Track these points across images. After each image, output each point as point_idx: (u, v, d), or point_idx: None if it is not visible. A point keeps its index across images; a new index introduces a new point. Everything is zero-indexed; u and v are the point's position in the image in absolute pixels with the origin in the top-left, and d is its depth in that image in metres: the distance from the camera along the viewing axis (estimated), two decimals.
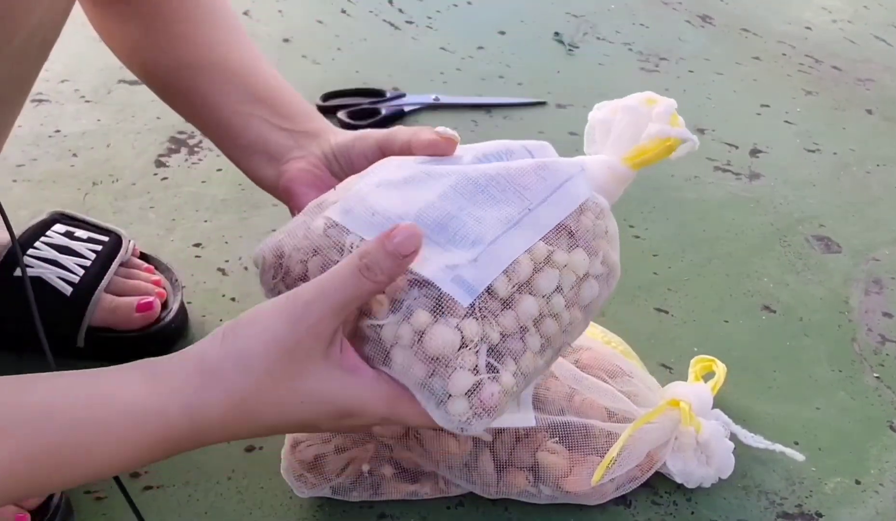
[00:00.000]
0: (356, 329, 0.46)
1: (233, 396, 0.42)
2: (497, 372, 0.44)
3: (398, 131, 0.55)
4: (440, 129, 0.53)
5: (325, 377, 0.43)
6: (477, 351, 0.44)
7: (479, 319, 0.44)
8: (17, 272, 0.64)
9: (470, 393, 0.43)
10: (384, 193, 0.48)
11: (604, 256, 0.50)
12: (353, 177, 0.53)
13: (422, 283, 0.44)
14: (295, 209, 0.56)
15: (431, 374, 0.43)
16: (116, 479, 0.50)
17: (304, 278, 0.47)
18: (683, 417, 0.59)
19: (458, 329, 0.43)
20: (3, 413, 0.39)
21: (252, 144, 0.59)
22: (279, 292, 0.47)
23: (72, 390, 0.42)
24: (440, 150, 0.52)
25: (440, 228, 0.46)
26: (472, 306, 0.44)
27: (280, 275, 0.49)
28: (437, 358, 0.43)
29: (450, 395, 0.43)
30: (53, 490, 0.42)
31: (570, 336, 0.50)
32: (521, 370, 0.46)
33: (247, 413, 0.43)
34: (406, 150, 0.54)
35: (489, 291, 0.45)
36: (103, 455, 0.41)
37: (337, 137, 0.58)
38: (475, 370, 0.43)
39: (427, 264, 0.45)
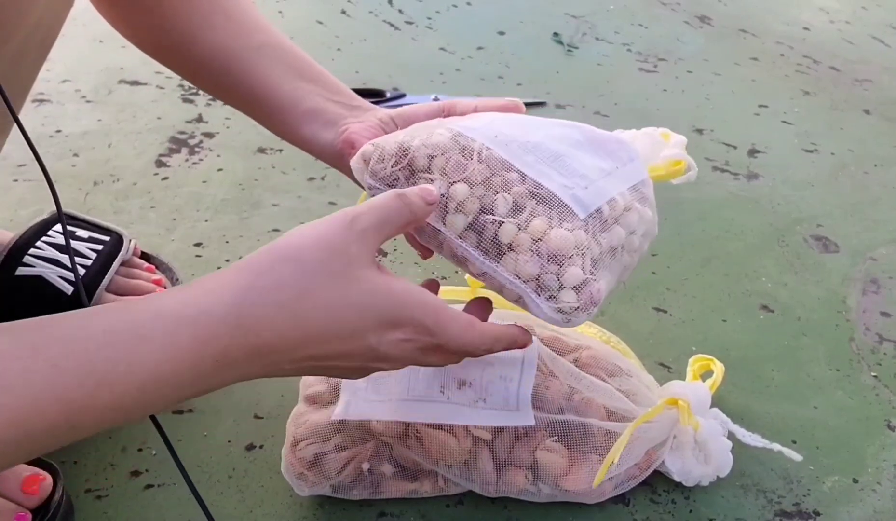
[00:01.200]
0: (463, 225, 0.49)
1: (285, 290, 0.41)
2: (598, 275, 0.49)
3: (459, 101, 0.59)
4: (508, 99, 0.58)
5: (373, 283, 0.43)
6: (584, 256, 0.48)
7: (589, 232, 0.49)
8: (18, 272, 0.64)
9: (579, 288, 0.48)
10: (502, 122, 0.53)
11: (652, 221, 0.57)
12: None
13: (541, 196, 0.49)
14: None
15: (546, 270, 0.48)
16: (157, 425, 0.49)
17: (428, 170, 0.50)
18: (682, 416, 0.60)
19: (574, 235, 0.48)
20: (36, 334, 0.37)
21: (308, 113, 0.61)
22: (393, 183, 0.51)
23: (110, 306, 0.40)
24: (510, 110, 0.57)
25: (556, 159, 0.51)
26: (585, 220, 0.49)
27: (403, 163, 0.51)
28: (556, 255, 0.48)
29: (562, 287, 0.48)
30: (92, 421, 0.37)
31: (628, 272, 0.56)
32: (608, 284, 0.51)
33: (298, 314, 0.41)
34: (469, 113, 0.58)
35: (597, 211, 0.50)
36: (144, 367, 0.38)
37: (390, 110, 0.61)
38: (584, 270, 0.48)
39: (548, 180, 0.50)
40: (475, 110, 0.59)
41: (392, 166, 0.51)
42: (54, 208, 0.71)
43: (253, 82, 0.63)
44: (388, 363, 0.46)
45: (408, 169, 0.51)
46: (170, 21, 0.62)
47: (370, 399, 0.57)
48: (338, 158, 0.59)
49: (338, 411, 0.57)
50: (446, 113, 0.59)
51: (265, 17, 0.65)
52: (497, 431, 0.57)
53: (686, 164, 0.60)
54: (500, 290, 0.49)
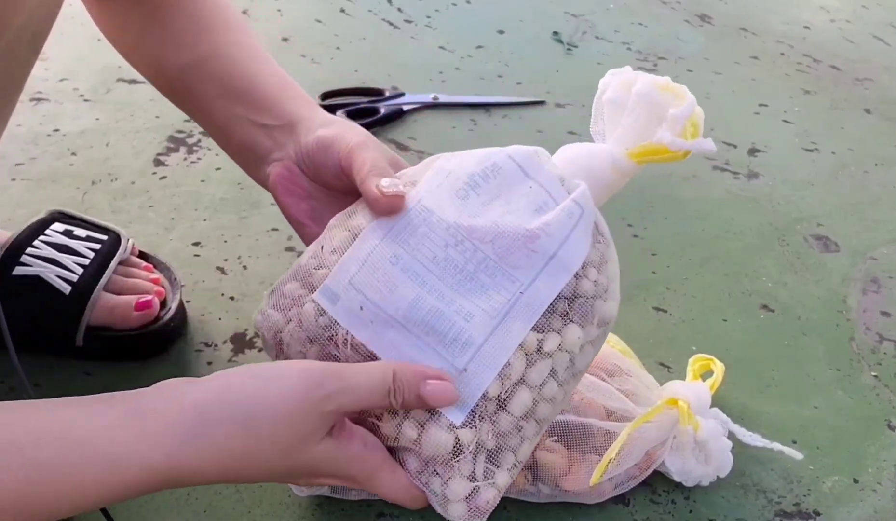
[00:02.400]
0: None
1: (226, 453, 0.41)
2: (494, 475, 0.46)
3: (361, 163, 0.51)
4: (384, 184, 0.48)
5: (320, 452, 0.44)
6: (474, 458, 0.45)
7: (475, 427, 0.45)
8: (15, 271, 0.64)
9: (468, 498, 0.46)
10: (370, 275, 0.46)
11: (599, 315, 0.49)
12: (337, 217, 0.51)
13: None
14: (288, 218, 0.57)
15: (431, 479, 0.46)
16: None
17: (301, 355, 0.48)
18: (682, 416, 0.59)
19: (454, 435, 0.45)
20: None
21: (241, 146, 0.59)
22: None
23: (47, 426, 0.39)
24: (381, 210, 0.48)
25: (429, 330, 0.46)
26: (468, 417, 0.45)
27: (283, 357, 0.49)
28: (435, 461, 0.46)
29: (447, 499, 0.46)
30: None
31: (565, 403, 0.53)
32: (519, 459, 0.48)
33: (234, 470, 0.42)
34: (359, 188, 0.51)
35: (483, 397, 0.46)
36: (73, 499, 0.39)
37: (308, 134, 0.55)
38: (472, 477, 0.45)
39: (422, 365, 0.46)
40: (359, 188, 0.50)
41: (276, 357, 0.50)
42: (51, 207, 0.71)
43: (196, 108, 0.60)
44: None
45: (279, 352, 0.49)
46: (143, 35, 0.61)
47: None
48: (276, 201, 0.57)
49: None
50: (346, 173, 0.52)
51: (214, 22, 0.61)
52: None
53: (699, 131, 0.50)
54: None
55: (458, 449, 0.45)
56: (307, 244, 0.53)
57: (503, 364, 0.46)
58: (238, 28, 0.62)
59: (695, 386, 0.63)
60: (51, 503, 0.38)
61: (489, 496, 0.46)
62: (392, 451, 0.47)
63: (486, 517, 0.47)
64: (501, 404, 0.46)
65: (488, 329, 0.46)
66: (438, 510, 0.46)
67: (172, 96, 0.63)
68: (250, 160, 0.58)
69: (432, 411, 0.45)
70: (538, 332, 0.47)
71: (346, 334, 0.46)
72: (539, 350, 0.47)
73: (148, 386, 0.43)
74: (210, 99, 0.59)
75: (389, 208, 0.48)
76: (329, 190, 0.56)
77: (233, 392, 0.42)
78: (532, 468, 0.58)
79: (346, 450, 0.44)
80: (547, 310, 0.47)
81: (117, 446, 0.39)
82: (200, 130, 0.97)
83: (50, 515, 0.39)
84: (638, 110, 0.51)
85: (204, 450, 0.40)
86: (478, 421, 0.45)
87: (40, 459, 0.38)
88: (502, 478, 0.47)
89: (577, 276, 0.48)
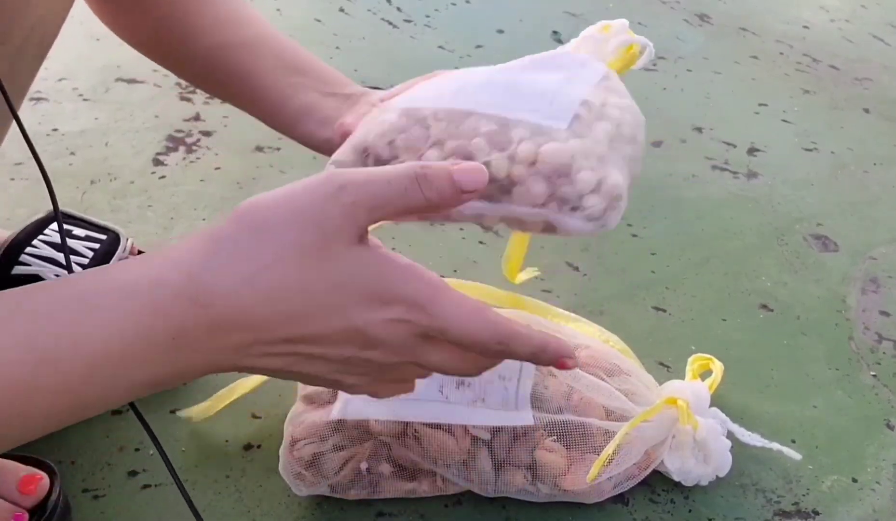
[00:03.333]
0: None
1: (250, 263, 0.36)
2: (608, 171, 0.47)
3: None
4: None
5: (356, 257, 0.37)
6: (586, 157, 0.46)
7: (578, 136, 0.47)
8: (15, 271, 0.64)
9: (597, 189, 0.46)
10: (440, 83, 0.53)
11: (633, 108, 0.53)
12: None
13: (513, 126, 0.47)
14: None
15: (557, 187, 0.46)
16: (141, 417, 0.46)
17: (394, 156, 0.48)
18: (681, 415, 0.59)
19: (567, 144, 0.46)
20: None
21: (301, 110, 0.60)
22: None
23: (60, 279, 0.36)
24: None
25: (509, 89, 0.50)
26: (568, 128, 0.47)
27: (369, 163, 0.49)
28: (558, 169, 0.45)
29: (581, 195, 0.45)
30: (42, 408, 0.34)
31: (638, 165, 0.53)
32: (623, 177, 0.49)
33: (265, 289, 0.36)
34: None
35: (575, 117, 0.48)
36: (90, 342, 0.34)
37: (384, 95, 0.59)
38: (593, 170, 0.46)
39: (512, 111, 0.48)
40: None
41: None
42: (51, 207, 0.71)
43: (245, 80, 0.61)
44: (382, 352, 0.39)
45: (375, 165, 0.48)
46: (163, 22, 0.62)
47: (368, 399, 0.57)
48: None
49: (336, 411, 0.57)
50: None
51: (256, 11, 0.64)
52: (496, 430, 0.57)
53: (639, 46, 0.56)
54: (525, 226, 0.47)
55: (574, 151, 0.46)
56: None
57: (583, 98, 0.49)
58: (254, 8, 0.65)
59: (694, 386, 0.63)
60: (64, 354, 0.34)
61: (615, 180, 0.46)
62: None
63: (620, 205, 0.46)
64: (590, 126, 0.48)
65: (560, 86, 0.50)
66: (574, 225, 0.46)
67: (199, 76, 0.66)
68: (313, 121, 0.60)
69: (541, 136, 0.46)
70: (600, 90, 0.51)
71: (433, 110, 0.49)
72: (605, 102, 0.51)
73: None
74: (264, 72, 0.61)
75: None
76: None
77: (246, 210, 0.37)
78: (531, 468, 0.58)
79: (390, 260, 0.38)
80: (596, 84, 0.52)
81: (131, 273, 0.36)
82: (200, 129, 0.97)
83: (60, 384, 0.34)
84: (587, 49, 0.56)
85: (225, 265, 0.36)
86: (579, 132, 0.47)
87: (56, 298, 0.35)
88: (619, 174, 0.47)
89: (606, 76, 0.53)
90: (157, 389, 0.37)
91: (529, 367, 0.58)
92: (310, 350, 0.38)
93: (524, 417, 0.57)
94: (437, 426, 0.56)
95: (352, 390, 0.42)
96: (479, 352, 0.41)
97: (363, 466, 0.58)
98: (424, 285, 0.38)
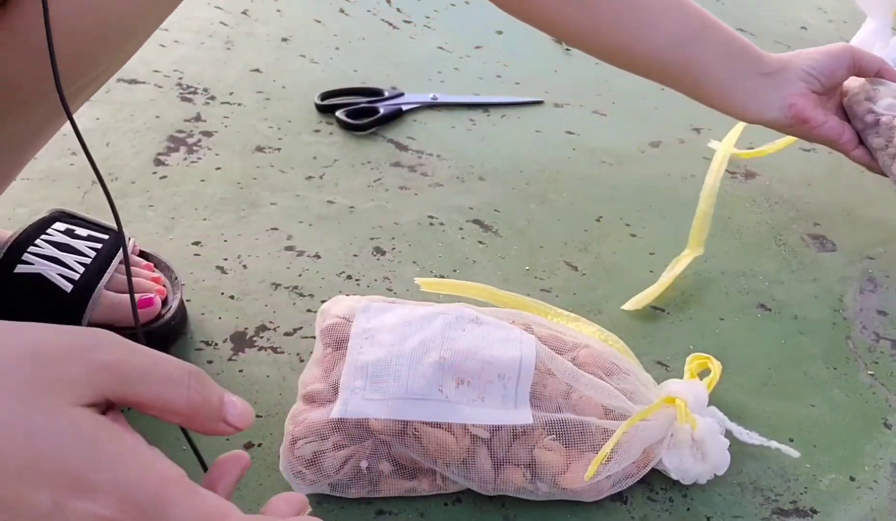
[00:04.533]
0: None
1: None
2: None
3: (858, 52, 0.76)
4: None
5: (81, 422, 0.29)
6: None
7: None
8: (17, 269, 0.64)
9: None
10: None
11: None
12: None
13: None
14: (809, 128, 0.78)
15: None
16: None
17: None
18: (679, 414, 0.60)
19: None
20: None
21: (745, 97, 0.75)
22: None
23: None
24: None
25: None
26: None
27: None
28: None
29: None
30: None
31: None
32: None
33: None
34: (870, 71, 0.78)
35: None
36: None
37: (801, 62, 0.75)
38: None
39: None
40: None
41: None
42: (53, 207, 0.71)
43: (688, 76, 0.76)
44: None
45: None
46: (615, 16, 0.73)
47: (368, 398, 0.57)
48: (790, 126, 0.77)
49: (336, 410, 0.57)
50: (857, 64, 0.76)
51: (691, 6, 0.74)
52: (495, 429, 0.58)
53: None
54: None
55: None
56: (821, 141, 0.81)
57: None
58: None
59: (692, 384, 0.64)
60: None
61: None
62: None
63: None
64: None
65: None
66: None
67: (652, 71, 0.78)
68: (758, 103, 0.75)
69: None
70: None
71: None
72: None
73: None
74: (707, 67, 0.74)
75: None
76: (821, 94, 0.78)
77: None
78: (530, 466, 0.58)
79: (119, 439, 0.30)
80: None
81: None
82: (200, 130, 0.97)
83: None
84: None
85: None
86: None
87: None
88: None
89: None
90: None
91: (529, 367, 0.59)
92: None
93: (523, 416, 0.57)
94: (437, 425, 0.57)
95: None
96: None
97: (363, 464, 0.58)
98: (156, 478, 0.30)
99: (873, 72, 0.77)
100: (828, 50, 0.75)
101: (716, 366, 0.67)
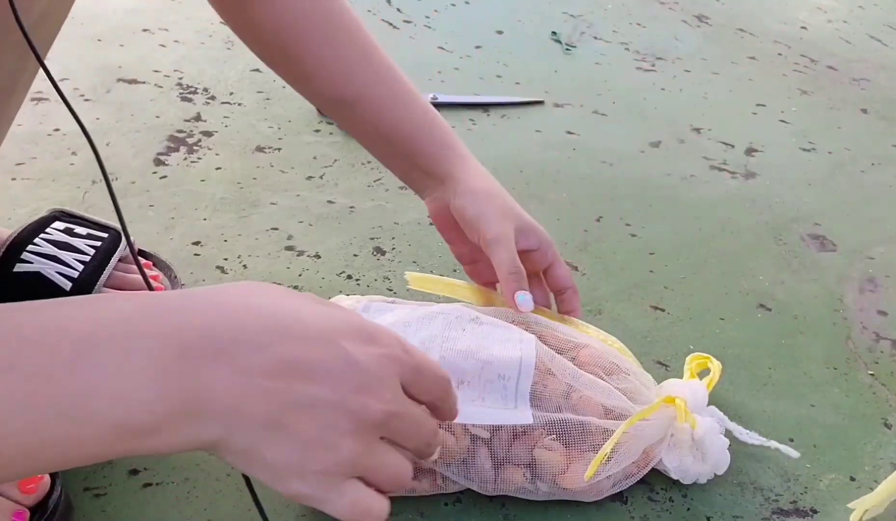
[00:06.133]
0: None
1: (238, 294, 0.37)
2: None
3: (499, 262, 0.60)
4: (519, 302, 0.60)
5: (343, 307, 0.40)
6: None
7: None
8: (17, 268, 0.64)
9: None
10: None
11: None
12: None
13: None
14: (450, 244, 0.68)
15: None
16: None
17: None
18: (679, 414, 0.60)
19: None
20: None
21: (401, 175, 0.68)
22: None
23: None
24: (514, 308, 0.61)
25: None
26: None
27: None
28: None
29: None
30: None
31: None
32: None
33: (259, 310, 0.36)
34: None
35: None
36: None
37: (456, 197, 0.63)
38: None
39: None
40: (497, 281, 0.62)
41: None
42: (52, 206, 0.71)
43: (367, 135, 0.67)
44: (376, 398, 0.37)
45: None
46: (290, 60, 0.65)
47: None
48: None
49: None
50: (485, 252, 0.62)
51: (368, 56, 0.67)
52: (495, 429, 0.57)
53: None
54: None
55: None
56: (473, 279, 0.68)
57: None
58: (385, 71, 0.67)
59: (692, 384, 0.64)
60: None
61: None
62: None
63: None
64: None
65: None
66: None
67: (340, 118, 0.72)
68: (413, 187, 0.68)
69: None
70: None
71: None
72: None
73: None
74: (362, 135, 0.67)
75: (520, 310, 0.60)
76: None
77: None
78: (531, 466, 0.58)
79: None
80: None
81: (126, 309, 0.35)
82: (201, 130, 0.97)
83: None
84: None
85: (217, 293, 0.38)
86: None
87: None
88: None
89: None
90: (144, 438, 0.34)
91: (529, 366, 0.58)
92: (304, 390, 0.36)
93: (523, 416, 0.57)
94: (437, 425, 0.57)
95: (343, 467, 0.37)
96: (439, 395, 0.43)
97: None
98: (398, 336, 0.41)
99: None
100: (473, 213, 0.62)
101: (715, 366, 0.67)
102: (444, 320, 0.60)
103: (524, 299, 0.60)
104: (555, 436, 0.58)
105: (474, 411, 0.57)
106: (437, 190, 0.65)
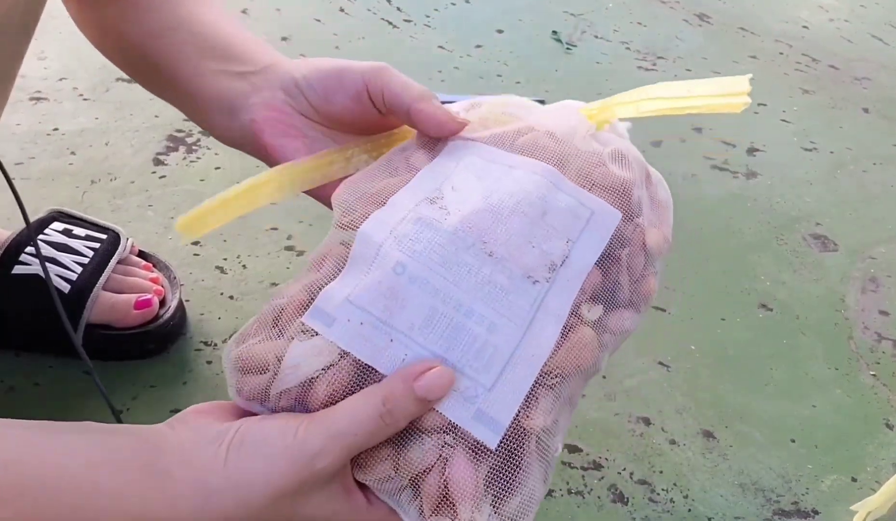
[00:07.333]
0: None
1: None
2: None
3: (402, 86, 0.48)
4: (456, 108, 0.48)
5: (322, 503, 0.40)
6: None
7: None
8: (15, 270, 0.64)
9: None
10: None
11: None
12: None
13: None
14: (275, 163, 0.52)
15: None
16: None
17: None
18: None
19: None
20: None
21: (210, 101, 0.54)
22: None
23: (59, 474, 0.37)
24: (445, 130, 0.47)
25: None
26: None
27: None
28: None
29: None
30: None
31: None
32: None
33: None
34: (400, 110, 0.48)
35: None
36: None
37: (299, 67, 0.51)
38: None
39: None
40: (407, 114, 0.48)
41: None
42: (52, 207, 0.71)
43: (161, 70, 0.56)
44: None
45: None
46: (110, 13, 0.59)
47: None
48: (256, 153, 0.53)
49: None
50: (370, 92, 0.49)
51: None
52: None
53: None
54: None
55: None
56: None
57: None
58: None
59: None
60: None
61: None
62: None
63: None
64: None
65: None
66: None
67: (136, 71, 0.61)
68: (223, 110, 0.53)
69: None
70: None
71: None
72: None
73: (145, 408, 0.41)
74: (177, 62, 0.55)
75: (456, 130, 0.47)
76: (328, 126, 0.52)
77: (229, 464, 0.39)
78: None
79: (350, 500, 0.40)
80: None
81: (135, 509, 0.38)
82: (200, 129, 0.97)
83: None
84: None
85: None
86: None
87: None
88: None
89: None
90: None
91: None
92: None
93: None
94: None
95: None
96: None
97: None
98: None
99: (402, 108, 0.48)
100: (336, 64, 0.50)
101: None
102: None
103: (458, 107, 0.48)
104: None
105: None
106: (266, 86, 0.52)
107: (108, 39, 0.61)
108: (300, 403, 0.40)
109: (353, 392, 0.39)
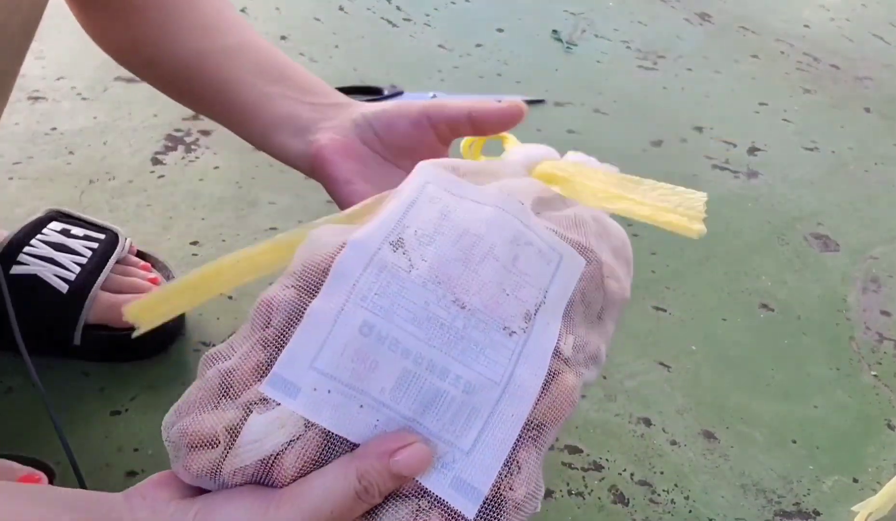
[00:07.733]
0: None
1: None
2: None
3: (447, 103, 0.53)
4: (508, 100, 0.52)
5: None
6: None
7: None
8: (13, 270, 0.64)
9: None
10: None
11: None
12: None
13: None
14: (329, 180, 0.54)
15: None
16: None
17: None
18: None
19: None
20: None
21: (277, 120, 0.57)
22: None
23: None
24: (514, 120, 0.52)
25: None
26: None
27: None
28: None
29: None
30: None
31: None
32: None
33: None
34: (462, 122, 0.53)
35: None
36: None
37: (368, 106, 0.56)
38: None
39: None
40: (468, 116, 0.52)
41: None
42: (50, 207, 0.71)
43: (222, 88, 0.58)
44: None
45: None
46: (142, 27, 0.60)
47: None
48: (312, 170, 0.55)
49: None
50: (431, 119, 0.53)
51: (240, 17, 0.62)
52: None
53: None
54: None
55: None
56: (344, 207, 0.49)
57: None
58: (237, 13, 0.63)
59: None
60: None
61: None
62: None
63: None
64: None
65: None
66: None
67: (173, 85, 0.63)
68: (288, 131, 0.56)
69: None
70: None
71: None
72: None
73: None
74: (242, 80, 0.58)
75: (518, 117, 0.52)
76: (388, 157, 0.56)
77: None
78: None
79: None
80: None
81: None
82: (198, 128, 0.96)
83: None
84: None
85: None
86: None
87: None
88: None
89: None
90: None
91: None
92: None
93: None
94: None
95: None
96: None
97: None
98: None
99: (462, 114, 0.53)
100: (400, 103, 0.56)
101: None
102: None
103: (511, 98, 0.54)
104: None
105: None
106: (335, 116, 0.56)
107: (137, 55, 0.63)
108: (261, 478, 0.37)
109: (322, 464, 0.36)
